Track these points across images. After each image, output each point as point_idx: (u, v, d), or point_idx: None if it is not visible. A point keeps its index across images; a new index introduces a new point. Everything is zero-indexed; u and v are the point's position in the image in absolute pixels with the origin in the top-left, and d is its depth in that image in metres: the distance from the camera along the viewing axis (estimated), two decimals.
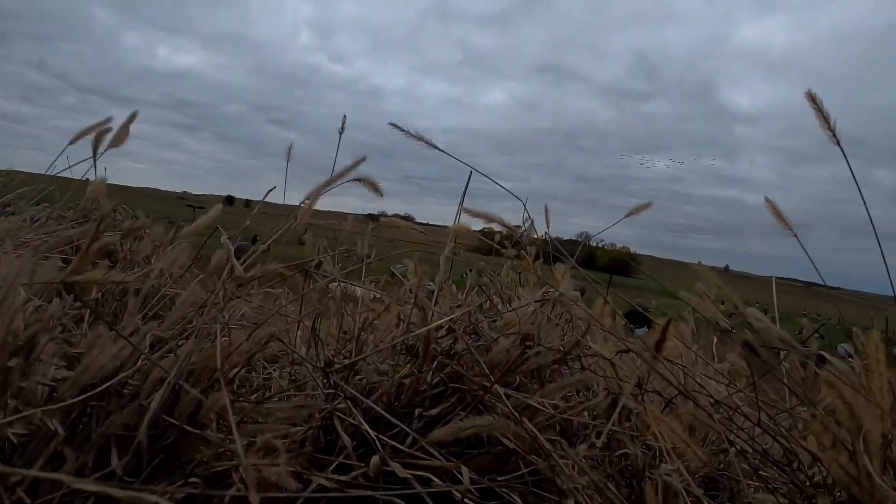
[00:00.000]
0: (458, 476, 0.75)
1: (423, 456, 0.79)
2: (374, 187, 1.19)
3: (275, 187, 1.34)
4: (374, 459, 0.77)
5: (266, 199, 1.32)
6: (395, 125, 1.11)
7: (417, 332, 0.91)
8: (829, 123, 0.82)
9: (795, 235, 0.93)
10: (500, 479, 0.81)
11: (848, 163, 0.89)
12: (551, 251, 1.24)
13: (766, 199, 0.90)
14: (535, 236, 1.38)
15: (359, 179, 1.17)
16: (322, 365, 0.91)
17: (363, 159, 1.15)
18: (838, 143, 0.84)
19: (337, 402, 0.89)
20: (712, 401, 0.89)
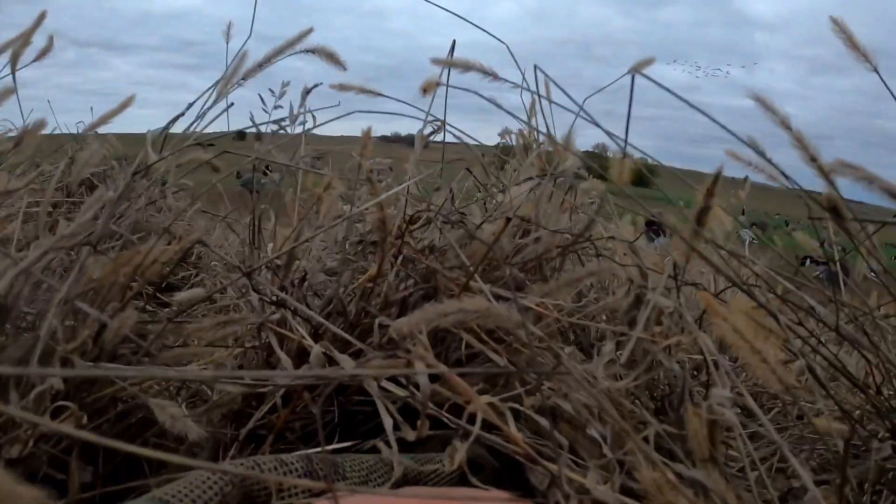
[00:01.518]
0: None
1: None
2: (333, 58, 0.97)
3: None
4: (315, 350, 0.55)
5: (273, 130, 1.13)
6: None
7: (366, 205, 0.66)
8: (860, 50, 0.70)
9: (876, 70, 0.71)
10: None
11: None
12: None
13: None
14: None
15: (310, 50, 0.96)
16: (246, 270, 0.68)
17: (311, 30, 0.94)
18: (876, 70, 0.70)
19: (268, 314, 0.66)
20: (776, 295, 0.65)
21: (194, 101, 0.98)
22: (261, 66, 0.94)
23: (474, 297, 0.55)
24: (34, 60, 1.16)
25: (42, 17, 1.22)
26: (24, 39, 1.16)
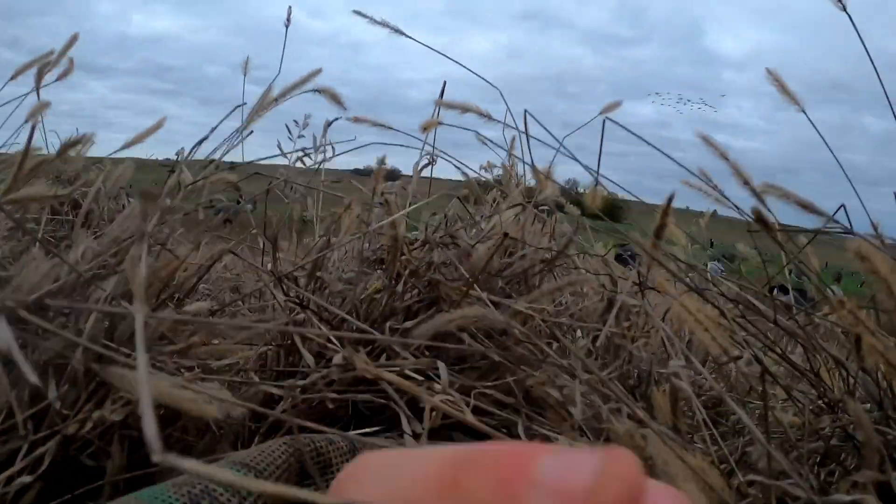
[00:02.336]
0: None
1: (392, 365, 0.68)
2: (335, 98, 1.09)
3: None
4: (337, 357, 0.66)
5: (247, 160, 1.21)
6: (358, 12, 1.01)
7: (383, 222, 0.79)
8: (793, 98, 0.81)
9: (803, 110, 0.85)
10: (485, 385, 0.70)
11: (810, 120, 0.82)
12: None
13: (767, 70, 0.83)
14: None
15: (317, 90, 1.07)
16: (278, 275, 0.79)
17: (319, 70, 1.05)
18: (803, 111, 0.83)
19: (294, 313, 0.78)
20: (724, 297, 0.78)
21: (214, 129, 1.10)
22: (276, 100, 1.05)
23: (472, 306, 0.68)
24: (56, 80, 1.27)
25: (74, 38, 1.33)
26: (56, 59, 1.27)
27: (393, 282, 0.83)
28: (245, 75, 1.15)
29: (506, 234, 0.79)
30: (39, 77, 1.33)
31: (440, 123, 0.88)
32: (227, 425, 0.77)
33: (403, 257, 0.86)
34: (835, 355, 0.80)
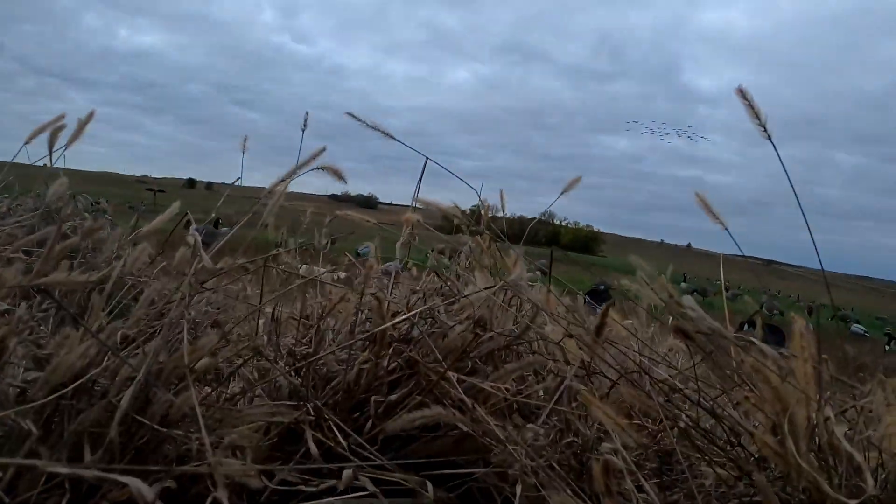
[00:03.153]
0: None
1: (385, 463, 0.83)
2: (338, 174, 1.21)
3: (237, 180, 1.36)
4: (346, 474, 0.79)
5: (226, 181, 1.33)
6: (352, 115, 1.13)
7: (374, 330, 0.94)
8: (759, 118, 0.86)
9: (726, 228, 0.97)
10: (455, 459, 0.86)
11: (776, 150, 0.94)
12: (504, 233, 1.28)
13: (696, 195, 0.94)
14: (496, 214, 1.42)
15: (322, 168, 1.18)
16: (285, 356, 0.94)
17: (324, 149, 1.17)
18: (769, 138, 0.88)
19: (300, 412, 0.92)
20: (655, 382, 0.94)
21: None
22: (288, 176, 1.15)
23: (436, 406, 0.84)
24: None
25: (91, 116, 1.45)
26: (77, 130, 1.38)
27: (378, 358, 0.98)
28: (303, 130, 1.27)
29: (477, 321, 0.94)
30: (52, 142, 1.46)
31: (419, 221, 1.04)
32: None
33: (388, 334, 1.01)
34: (746, 428, 0.96)
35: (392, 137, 1.11)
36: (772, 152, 0.90)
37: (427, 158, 1.21)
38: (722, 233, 0.94)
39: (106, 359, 0.91)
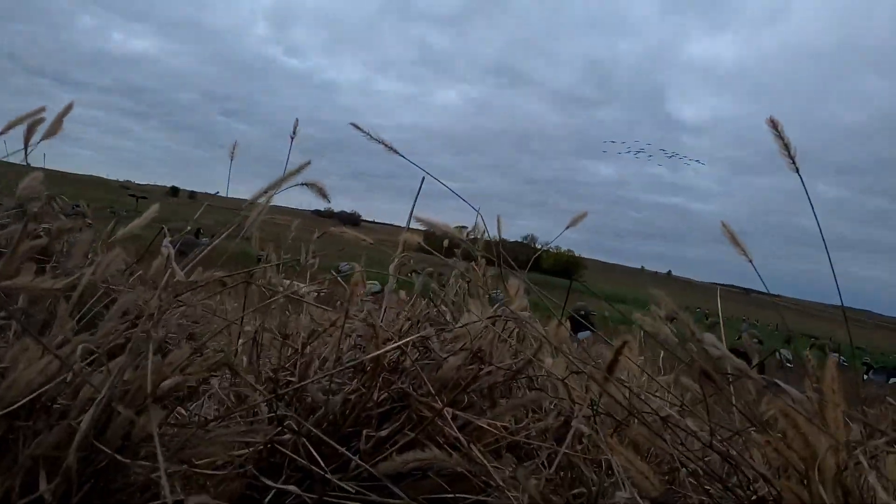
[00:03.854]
0: None
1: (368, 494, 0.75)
2: (321, 192, 1.17)
3: (217, 192, 1.29)
4: None
5: (210, 191, 1.27)
6: (356, 125, 1.08)
7: (364, 358, 0.87)
8: (789, 151, 0.81)
9: (751, 261, 0.93)
10: (449, 498, 0.78)
11: (803, 183, 0.90)
12: (500, 257, 1.22)
13: (722, 224, 0.90)
14: (486, 237, 1.37)
15: (306, 184, 1.14)
16: (264, 383, 0.86)
17: (308, 163, 1.13)
18: (797, 171, 0.83)
19: (277, 431, 0.84)
20: (663, 423, 0.87)
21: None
22: (271, 188, 1.10)
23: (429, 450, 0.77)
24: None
25: (69, 107, 1.38)
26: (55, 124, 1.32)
27: (368, 389, 0.90)
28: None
29: (475, 353, 0.87)
30: (28, 136, 1.39)
31: (419, 242, 0.97)
32: None
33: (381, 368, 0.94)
34: (762, 473, 0.90)
35: (395, 151, 1.05)
36: (753, 182, 0.85)
37: (426, 174, 1.15)
38: (702, 261, 0.90)
39: (69, 376, 0.83)
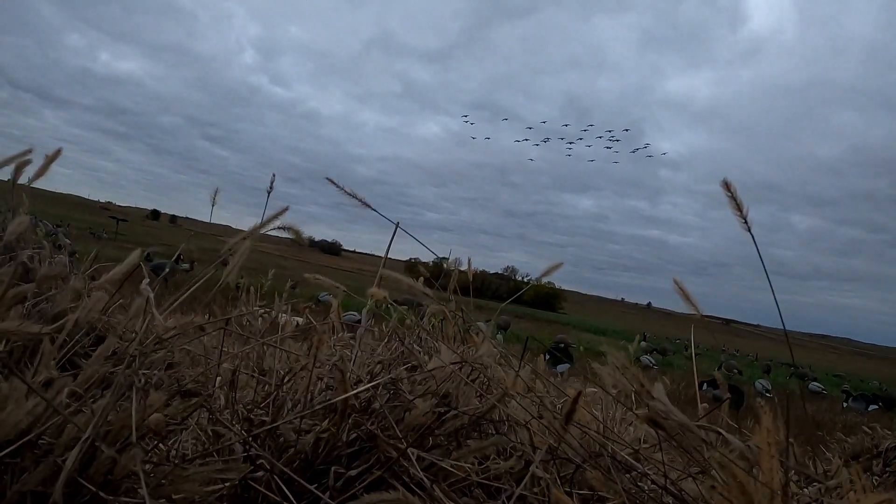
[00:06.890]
0: None
1: None
2: (298, 235, 1.22)
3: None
4: None
5: (191, 216, 1.31)
6: (331, 181, 1.13)
7: (334, 399, 0.92)
8: (741, 211, 0.87)
9: (702, 315, 0.98)
10: None
11: (755, 241, 0.96)
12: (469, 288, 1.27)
13: (675, 281, 0.96)
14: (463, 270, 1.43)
15: (283, 227, 1.19)
16: (241, 423, 0.90)
17: (286, 208, 1.17)
18: (749, 230, 0.89)
19: (252, 469, 0.89)
20: (621, 466, 0.92)
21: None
22: (250, 234, 1.14)
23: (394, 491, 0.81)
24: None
25: (57, 153, 1.42)
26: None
27: (338, 429, 0.95)
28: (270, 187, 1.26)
29: (443, 396, 0.92)
30: (15, 178, 1.44)
31: (385, 297, 1.02)
32: None
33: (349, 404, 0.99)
34: None
35: (369, 207, 1.10)
36: (728, 215, 0.91)
37: (397, 225, 1.20)
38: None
39: (54, 416, 0.87)
